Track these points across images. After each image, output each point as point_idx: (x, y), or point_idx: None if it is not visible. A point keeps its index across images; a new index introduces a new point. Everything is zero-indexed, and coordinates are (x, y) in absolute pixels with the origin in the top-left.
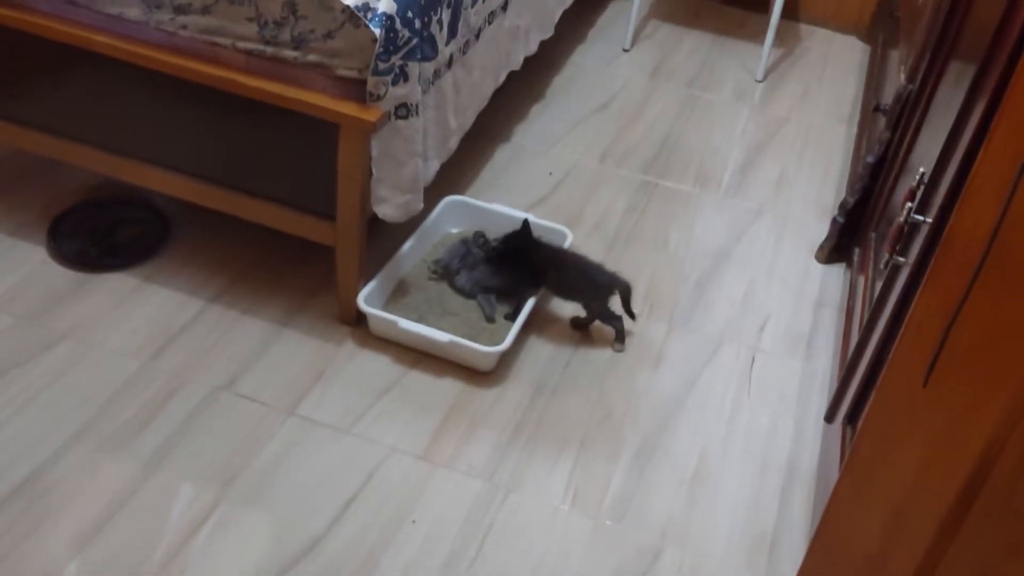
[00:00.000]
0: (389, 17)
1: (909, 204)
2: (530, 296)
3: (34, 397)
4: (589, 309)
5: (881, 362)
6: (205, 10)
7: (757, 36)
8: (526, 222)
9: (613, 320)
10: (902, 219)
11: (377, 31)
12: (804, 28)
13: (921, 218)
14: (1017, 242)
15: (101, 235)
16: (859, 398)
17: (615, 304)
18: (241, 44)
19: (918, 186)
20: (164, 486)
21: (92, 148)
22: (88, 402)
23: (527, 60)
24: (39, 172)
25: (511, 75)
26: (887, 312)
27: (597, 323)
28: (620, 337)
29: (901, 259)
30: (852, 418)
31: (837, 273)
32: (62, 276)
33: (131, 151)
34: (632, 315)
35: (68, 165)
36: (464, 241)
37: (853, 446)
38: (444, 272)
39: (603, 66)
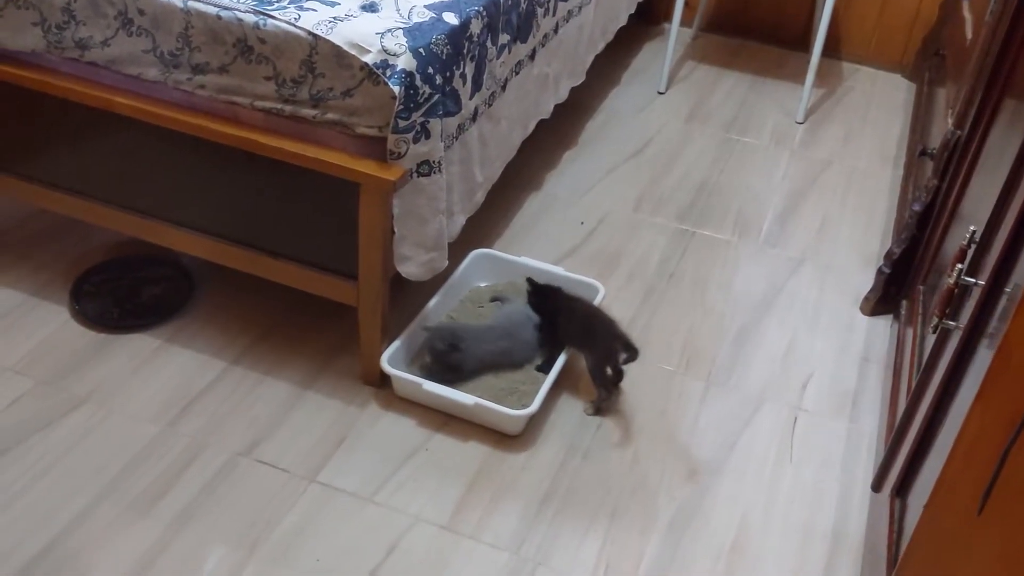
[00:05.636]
0: (408, 74)
1: (959, 265)
2: (559, 351)
3: (53, 464)
4: (588, 364)
5: (930, 435)
6: (222, 69)
7: (797, 76)
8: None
9: (603, 384)
10: (952, 281)
11: (396, 89)
12: (846, 67)
13: (972, 280)
14: None
15: (124, 294)
16: (908, 470)
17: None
18: (259, 103)
19: (968, 245)
20: (185, 555)
21: (114, 208)
22: (106, 469)
23: (558, 106)
24: (62, 231)
25: (541, 122)
26: (936, 380)
27: (627, 381)
28: (597, 408)
29: (951, 323)
30: (901, 491)
31: (883, 326)
32: (83, 337)
33: (152, 211)
34: (619, 372)
35: (91, 224)
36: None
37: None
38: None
39: (637, 110)
